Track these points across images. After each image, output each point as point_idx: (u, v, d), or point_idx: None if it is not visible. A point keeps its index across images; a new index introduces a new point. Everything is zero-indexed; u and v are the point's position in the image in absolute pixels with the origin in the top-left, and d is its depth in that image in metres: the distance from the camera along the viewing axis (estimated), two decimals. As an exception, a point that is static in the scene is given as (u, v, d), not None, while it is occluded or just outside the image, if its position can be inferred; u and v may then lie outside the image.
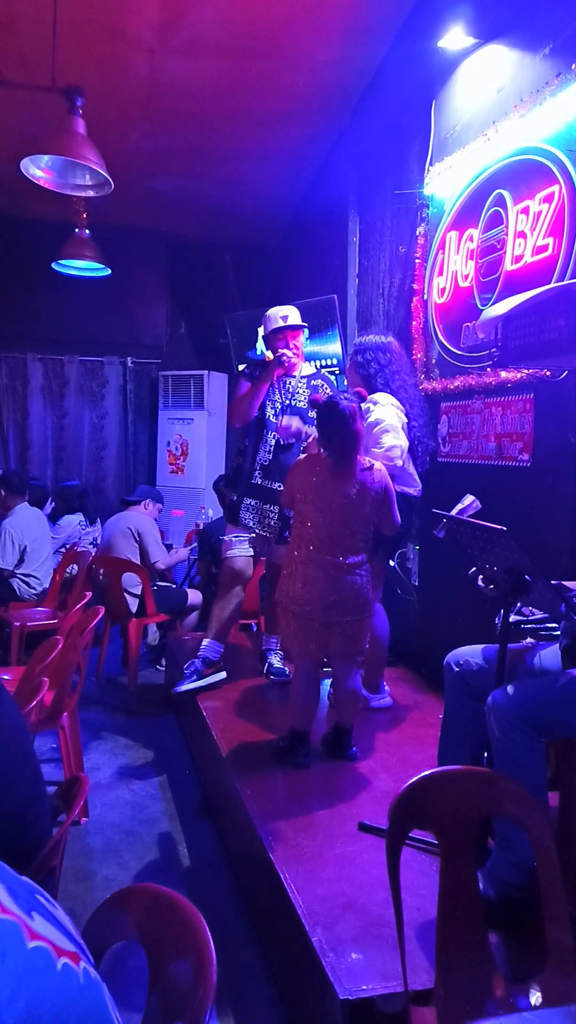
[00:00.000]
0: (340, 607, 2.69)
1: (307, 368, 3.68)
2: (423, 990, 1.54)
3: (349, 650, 2.78)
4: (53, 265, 5.44)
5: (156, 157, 5.75)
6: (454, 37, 3.47)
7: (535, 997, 1.43)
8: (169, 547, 5.48)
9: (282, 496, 2.96)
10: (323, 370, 5.10)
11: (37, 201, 5.63)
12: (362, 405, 3.20)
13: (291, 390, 3.52)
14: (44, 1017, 0.76)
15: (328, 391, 3.56)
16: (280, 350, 3.48)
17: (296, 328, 3.54)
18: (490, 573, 2.10)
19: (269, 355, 3.62)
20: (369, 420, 3.14)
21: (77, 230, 5.28)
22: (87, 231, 5.31)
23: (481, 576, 2.16)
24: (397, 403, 3.24)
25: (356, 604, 2.72)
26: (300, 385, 3.54)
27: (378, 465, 2.80)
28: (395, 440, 3.08)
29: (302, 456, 3.02)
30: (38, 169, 3.59)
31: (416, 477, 3.33)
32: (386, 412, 3.15)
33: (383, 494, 2.75)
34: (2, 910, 0.81)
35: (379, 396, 3.22)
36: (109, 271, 5.47)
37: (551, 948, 1.42)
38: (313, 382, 3.57)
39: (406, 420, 3.25)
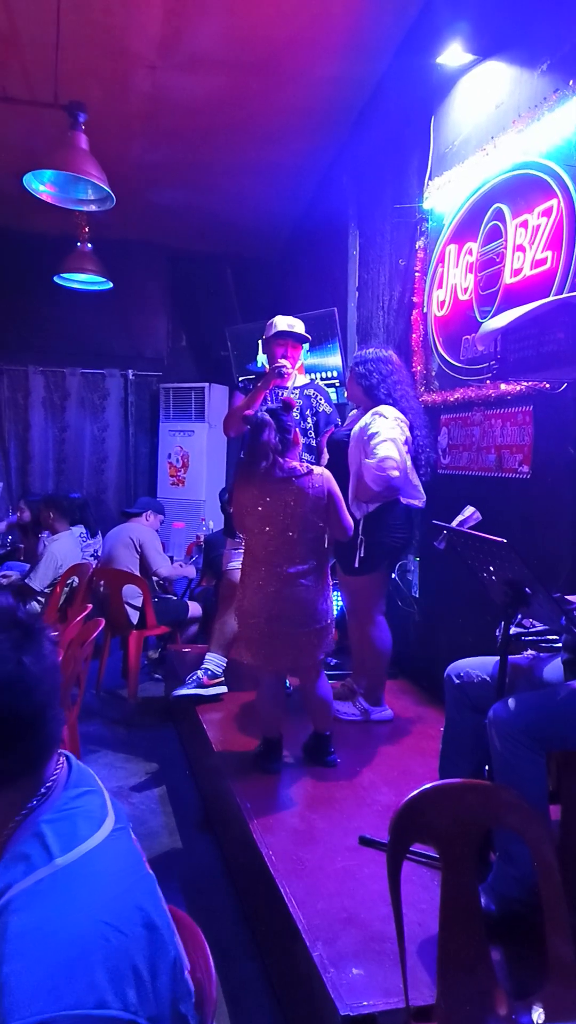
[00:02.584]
0: (286, 619, 2.68)
1: (301, 379, 3.69)
2: (425, 1006, 1.53)
3: (304, 661, 2.77)
4: (55, 278, 5.47)
5: (157, 171, 5.80)
6: (453, 53, 3.50)
7: (538, 1013, 1.41)
8: (171, 559, 5.47)
9: (232, 512, 2.98)
10: (322, 382, 5.12)
11: (39, 215, 5.65)
12: (366, 417, 3.22)
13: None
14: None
15: (322, 401, 3.58)
16: (279, 359, 3.48)
17: (300, 339, 3.55)
18: (491, 585, 2.10)
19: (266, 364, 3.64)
20: (370, 431, 3.15)
21: (79, 244, 5.32)
22: (89, 245, 5.34)
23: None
24: (403, 418, 3.24)
25: (303, 616, 2.69)
26: (293, 396, 3.54)
27: (319, 470, 2.77)
28: (389, 451, 3.07)
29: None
30: (41, 184, 3.62)
31: (420, 489, 3.33)
32: (385, 424, 3.14)
33: (326, 499, 2.73)
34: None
35: (385, 409, 3.22)
36: (111, 284, 5.50)
37: (553, 963, 1.41)
38: (306, 391, 3.58)
39: (409, 434, 3.25)
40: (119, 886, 0.85)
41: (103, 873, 0.85)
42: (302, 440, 3.47)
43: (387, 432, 3.12)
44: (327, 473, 2.78)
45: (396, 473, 3.07)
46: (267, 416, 2.72)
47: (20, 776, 0.90)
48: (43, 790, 0.92)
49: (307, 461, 3.09)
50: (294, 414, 3.51)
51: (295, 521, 2.70)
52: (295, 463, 2.74)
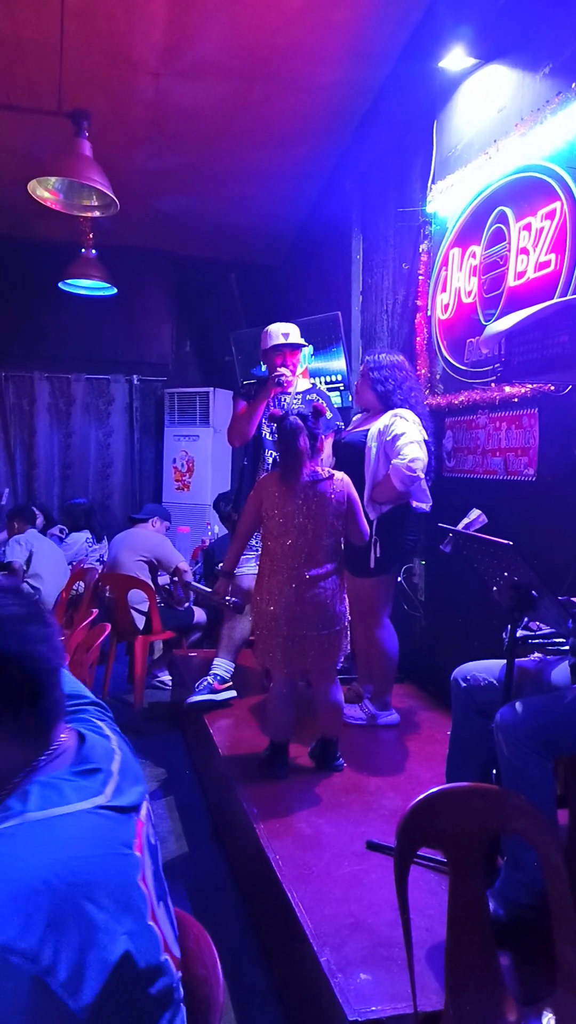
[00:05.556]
0: (306, 621, 2.70)
1: (302, 384, 3.69)
2: (433, 1012, 1.52)
3: (323, 664, 2.79)
4: (60, 285, 5.49)
5: (161, 178, 5.82)
6: (455, 58, 3.51)
7: (547, 1019, 1.41)
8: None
9: (245, 511, 2.98)
10: (326, 387, 5.13)
11: (44, 222, 5.69)
12: (385, 418, 3.22)
13: (286, 407, 3.53)
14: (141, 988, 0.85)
15: (324, 405, 3.58)
16: (278, 368, 3.47)
17: (296, 347, 3.55)
18: (497, 588, 2.09)
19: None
20: (393, 432, 3.16)
21: (83, 250, 5.34)
22: (93, 251, 5.36)
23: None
24: (418, 420, 3.26)
25: (323, 618, 2.72)
26: (295, 402, 3.54)
27: (339, 475, 2.80)
28: (417, 452, 3.10)
29: (264, 474, 3.05)
30: (45, 191, 3.64)
31: (428, 493, 3.34)
32: (408, 426, 3.18)
33: (346, 504, 2.77)
34: (143, 880, 0.91)
35: (404, 412, 3.25)
36: (115, 290, 5.52)
37: (562, 968, 1.40)
38: (308, 397, 3.58)
39: (427, 436, 3.27)
40: (78, 852, 0.85)
41: (67, 837, 0.86)
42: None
43: (412, 433, 3.14)
44: (347, 478, 2.81)
45: (422, 474, 3.10)
46: (299, 421, 2.73)
47: (27, 736, 0.94)
48: (47, 753, 0.95)
49: None
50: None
51: (316, 525, 2.72)
52: (317, 468, 2.77)
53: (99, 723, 1.12)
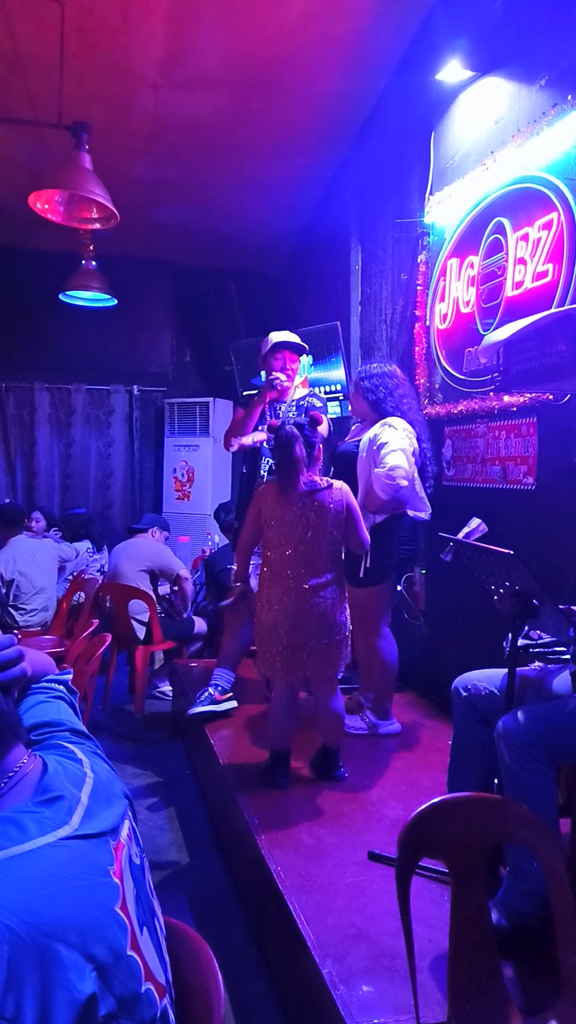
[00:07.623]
0: (306, 630, 2.71)
1: (299, 391, 3.70)
2: (436, 1023, 1.52)
3: (323, 673, 2.79)
4: (60, 296, 5.52)
5: (161, 189, 5.85)
6: (452, 70, 3.54)
7: (550, 1030, 1.40)
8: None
9: (246, 522, 2.99)
10: (326, 395, 5.14)
11: (44, 233, 5.72)
12: (375, 427, 3.23)
13: (282, 415, 3.53)
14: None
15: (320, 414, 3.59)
16: (275, 372, 3.49)
17: (297, 349, 3.55)
18: (499, 596, 2.09)
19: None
20: (379, 441, 3.17)
21: (84, 261, 5.36)
22: (93, 262, 5.39)
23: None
24: (410, 429, 3.26)
25: (323, 627, 2.72)
26: (291, 409, 3.55)
27: (338, 484, 2.80)
28: (398, 460, 3.08)
29: (261, 482, 3.06)
30: (45, 203, 3.66)
31: (426, 500, 3.34)
32: (393, 435, 3.17)
33: (345, 512, 2.77)
34: (123, 907, 0.88)
35: (394, 420, 3.24)
36: (115, 301, 5.55)
37: (566, 978, 1.40)
38: (302, 403, 3.58)
39: (417, 446, 3.27)
40: (41, 891, 0.81)
41: (29, 877, 0.82)
42: None
43: (396, 442, 3.14)
44: (346, 487, 2.81)
45: (405, 483, 3.08)
46: (295, 430, 2.74)
47: None
48: (4, 780, 0.92)
49: None
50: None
51: (316, 534, 2.73)
52: (316, 477, 2.78)
53: (70, 746, 1.07)
